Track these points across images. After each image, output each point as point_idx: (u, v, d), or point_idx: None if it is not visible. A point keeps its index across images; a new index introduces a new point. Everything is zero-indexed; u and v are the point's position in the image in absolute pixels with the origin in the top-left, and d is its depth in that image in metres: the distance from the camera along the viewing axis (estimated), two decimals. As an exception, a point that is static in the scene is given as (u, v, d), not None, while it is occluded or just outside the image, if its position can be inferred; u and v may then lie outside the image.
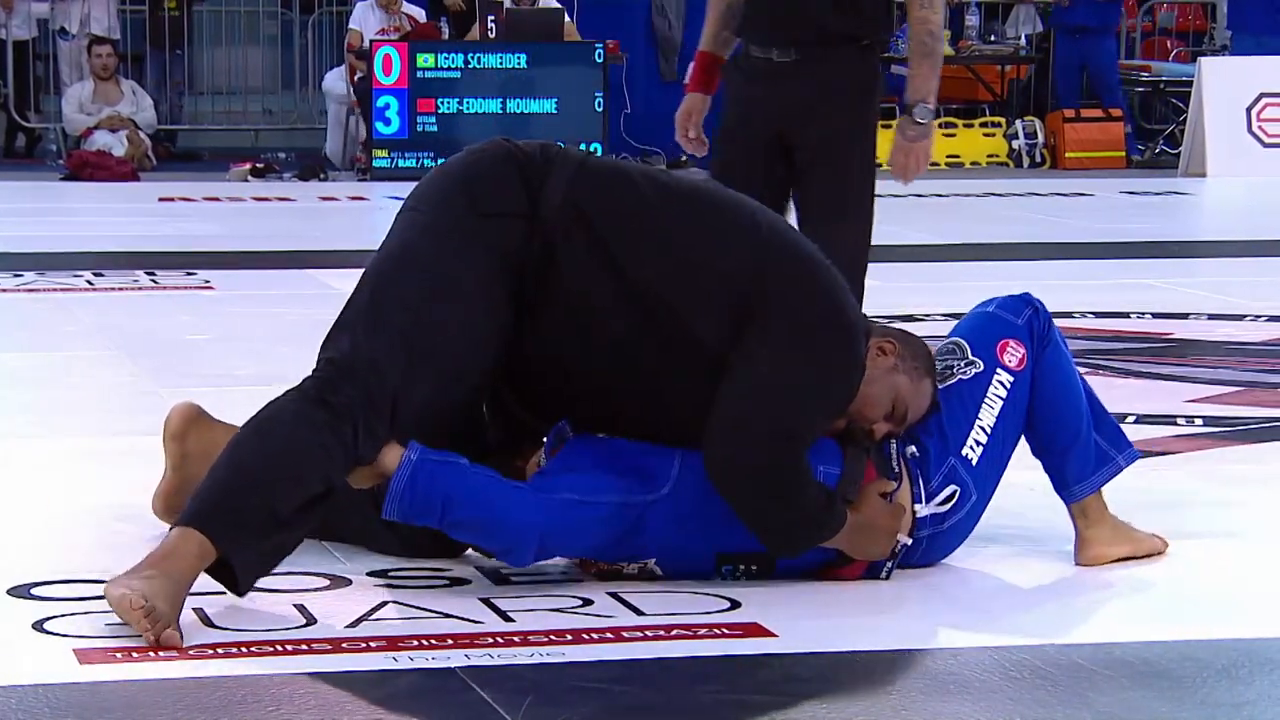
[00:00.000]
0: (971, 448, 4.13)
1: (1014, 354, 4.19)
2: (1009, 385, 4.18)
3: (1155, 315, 7.83)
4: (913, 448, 4.11)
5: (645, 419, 4.04)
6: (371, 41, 14.87)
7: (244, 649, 3.64)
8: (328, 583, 4.07)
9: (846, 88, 5.15)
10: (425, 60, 14.49)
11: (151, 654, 3.58)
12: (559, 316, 3.94)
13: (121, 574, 3.72)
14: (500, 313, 3.91)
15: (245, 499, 3.76)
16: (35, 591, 3.97)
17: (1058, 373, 4.22)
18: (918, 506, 4.08)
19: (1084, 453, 4.22)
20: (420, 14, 15.77)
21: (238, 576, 3.79)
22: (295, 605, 3.90)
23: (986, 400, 4.16)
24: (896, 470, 4.07)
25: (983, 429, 4.14)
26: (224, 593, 3.94)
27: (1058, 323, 4.33)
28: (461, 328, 3.87)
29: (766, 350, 3.91)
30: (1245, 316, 7.96)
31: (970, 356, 4.19)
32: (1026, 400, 4.19)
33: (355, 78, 15.38)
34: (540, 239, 3.91)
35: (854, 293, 4.29)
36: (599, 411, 4.07)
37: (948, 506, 4.09)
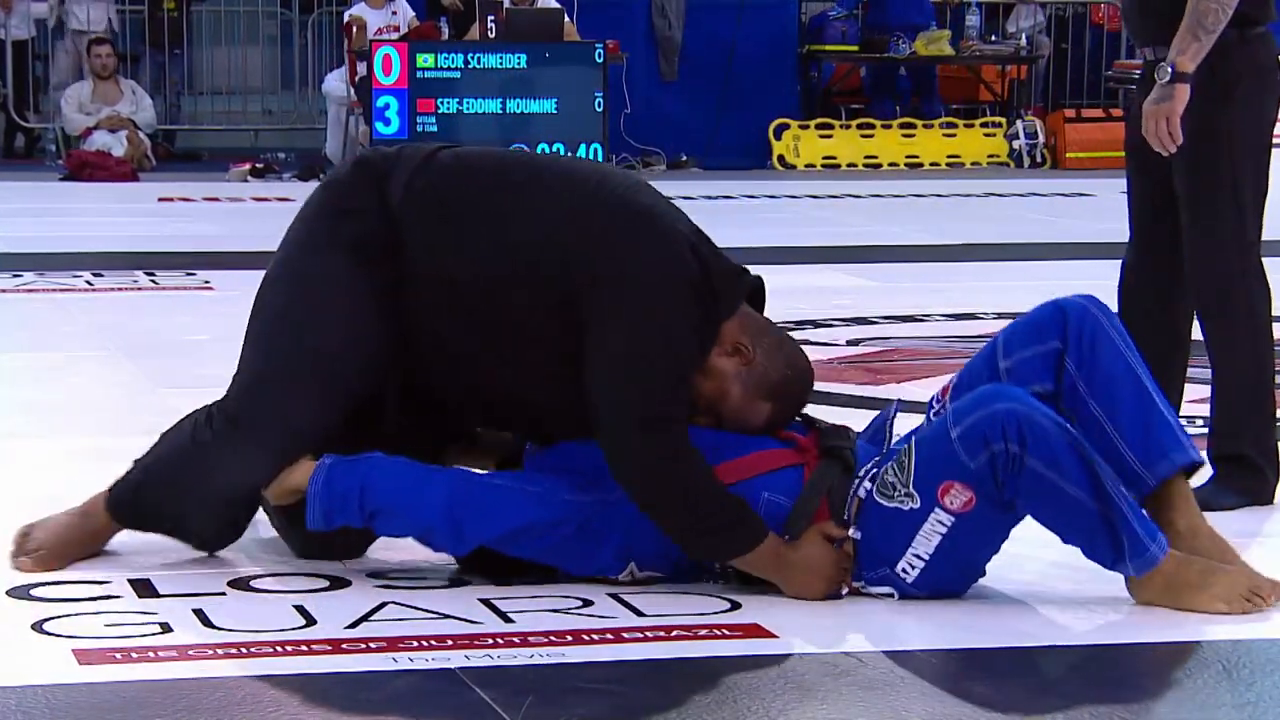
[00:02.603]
0: (904, 570, 3.93)
1: (956, 498, 3.84)
2: (949, 524, 3.88)
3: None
4: (856, 532, 3.96)
5: (524, 404, 4.04)
6: (371, 41, 14.85)
7: (243, 650, 3.63)
8: (327, 583, 4.06)
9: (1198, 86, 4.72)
10: (425, 60, 14.46)
11: (151, 654, 3.57)
12: (419, 304, 3.99)
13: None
14: (366, 308, 3.99)
15: (152, 501, 4.16)
16: (34, 592, 3.97)
17: (1042, 509, 3.87)
18: (858, 584, 3.99)
19: (1095, 552, 3.92)
20: (405, 7, 15.73)
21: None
22: (295, 606, 3.89)
23: (921, 534, 3.90)
24: (847, 518, 3.96)
25: (918, 556, 3.91)
26: (224, 594, 3.97)
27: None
28: (332, 334, 4.01)
29: (605, 328, 3.86)
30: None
31: (909, 488, 3.90)
32: (989, 523, 3.90)
33: (355, 79, 15.33)
34: (388, 229, 4.00)
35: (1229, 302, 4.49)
36: (488, 397, 4.08)
37: (889, 600, 3.98)
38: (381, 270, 4.00)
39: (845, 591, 3.98)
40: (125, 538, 4.28)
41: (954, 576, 3.99)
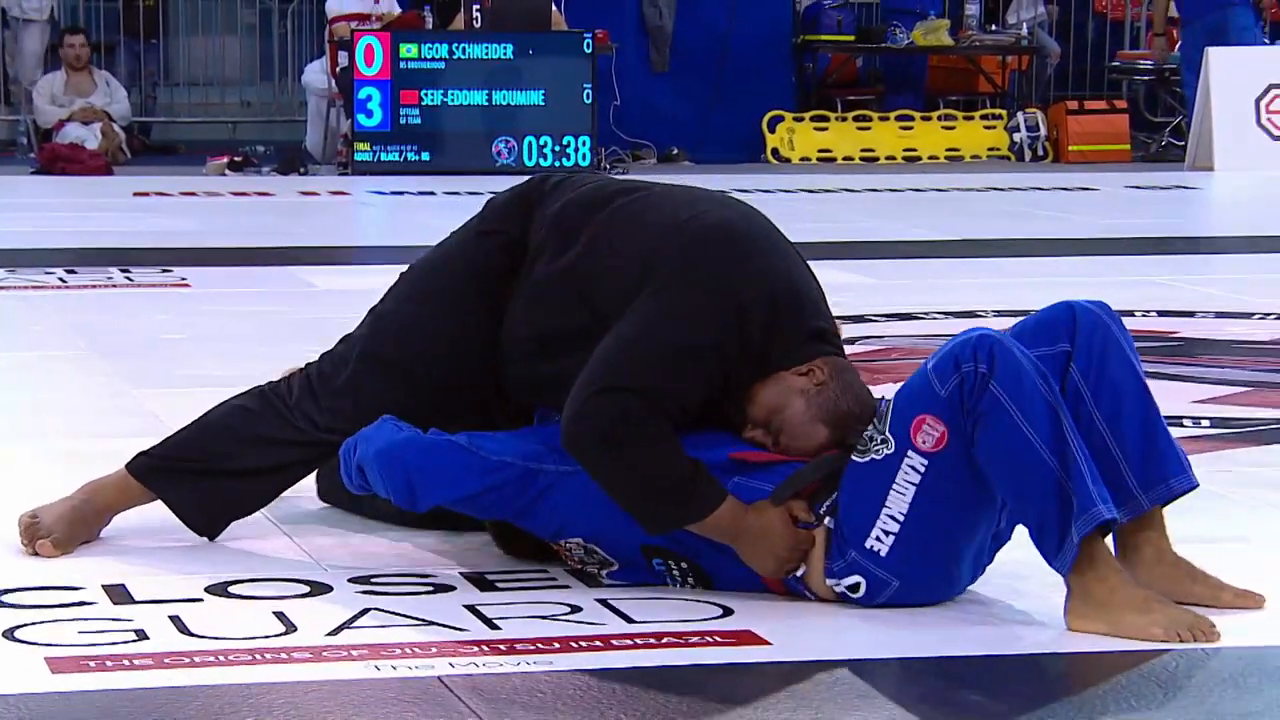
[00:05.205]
0: (878, 538, 3.81)
1: (929, 434, 3.74)
2: (922, 470, 3.74)
3: (1161, 313, 7.76)
4: (829, 520, 3.87)
5: None
6: (353, 31, 14.75)
7: (221, 658, 3.57)
8: (307, 589, 4.01)
9: None
10: (408, 50, 14.39)
11: (126, 662, 3.52)
12: (522, 307, 4.12)
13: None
14: (474, 312, 4.15)
15: (182, 452, 4.29)
16: (6, 599, 3.91)
17: (995, 447, 3.72)
18: (829, 582, 3.89)
19: (1042, 530, 3.76)
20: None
21: (182, 514, 4.29)
22: (274, 613, 3.84)
23: (895, 486, 3.78)
24: (821, 512, 3.87)
25: (891, 518, 3.79)
26: (201, 600, 3.92)
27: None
28: (426, 330, 4.20)
29: (633, 312, 3.91)
30: (1254, 314, 7.88)
31: (885, 433, 3.81)
32: (962, 476, 3.78)
33: (336, 70, 15.24)
34: (519, 252, 4.17)
35: None
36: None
37: (857, 594, 3.87)
38: (499, 289, 4.17)
39: (801, 572, 3.90)
40: (96, 543, 4.26)
41: (928, 555, 3.84)
